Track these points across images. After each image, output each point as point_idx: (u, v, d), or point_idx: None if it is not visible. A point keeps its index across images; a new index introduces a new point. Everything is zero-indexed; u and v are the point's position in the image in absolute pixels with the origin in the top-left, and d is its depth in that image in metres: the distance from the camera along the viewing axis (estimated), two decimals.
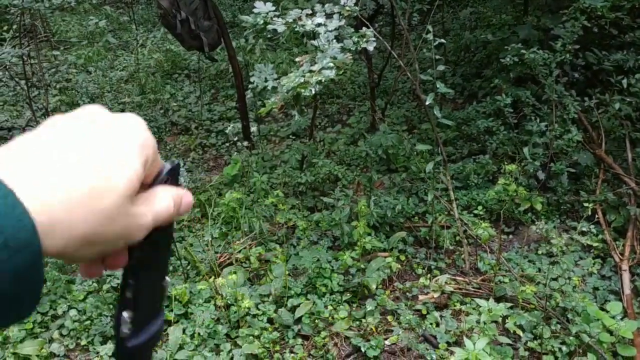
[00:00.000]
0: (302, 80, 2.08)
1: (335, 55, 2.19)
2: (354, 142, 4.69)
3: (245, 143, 4.69)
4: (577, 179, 3.75)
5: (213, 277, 3.14)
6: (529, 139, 3.70)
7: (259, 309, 2.92)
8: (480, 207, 3.58)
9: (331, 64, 2.12)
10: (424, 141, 4.11)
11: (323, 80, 2.08)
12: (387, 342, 2.80)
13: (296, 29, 2.39)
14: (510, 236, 3.56)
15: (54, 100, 5.63)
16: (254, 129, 4.96)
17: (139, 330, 0.50)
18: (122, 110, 5.75)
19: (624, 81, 3.64)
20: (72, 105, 5.73)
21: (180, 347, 2.73)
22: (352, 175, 4.09)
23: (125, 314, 0.49)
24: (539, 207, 3.52)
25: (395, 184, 3.95)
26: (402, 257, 3.34)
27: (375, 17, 5.07)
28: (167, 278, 0.53)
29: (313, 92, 2.08)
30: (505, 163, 3.63)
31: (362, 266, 3.14)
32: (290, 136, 5.01)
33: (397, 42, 5.12)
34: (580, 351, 2.59)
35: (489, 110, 4.33)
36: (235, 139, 4.88)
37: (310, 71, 2.11)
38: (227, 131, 5.15)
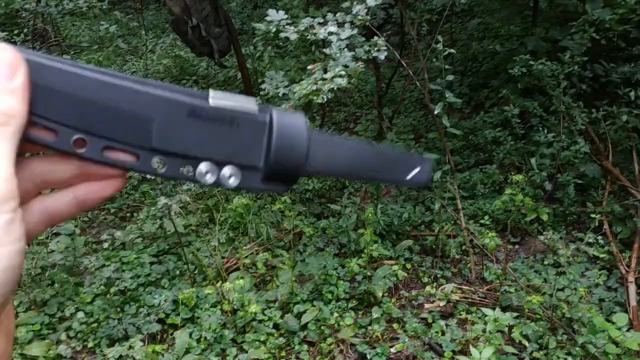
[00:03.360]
0: (314, 87, 2.12)
1: (346, 63, 2.23)
2: None
3: None
4: (583, 190, 3.76)
5: (220, 282, 3.15)
6: (536, 149, 3.72)
7: (265, 315, 2.93)
8: (486, 217, 3.59)
9: (343, 72, 2.15)
10: (431, 150, 4.13)
11: (335, 88, 2.11)
12: (392, 350, 2.81)
13: (308, 37, 2.42)
14: (517, 246, 3.57)
15: None
16: None
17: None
18: None
19: (632, 93, 3.65)
20: None
21: (187, 351, 2.74)
22: (359, 183, 4.11)
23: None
24: (545, 217, 3.52)
25: (402, 193, 3.97)
26: (409, 266, 3.35)
27: (383, 26, 5.10)
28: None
29: (325, 99, 2.11)
30: (512, 173, 3.65)
31: (369, 274, 3.15)
32: None
33: (405, 51, 5.15)
34: None
35: (496, 121, 4.35)
36: None
37: (323, 79, 2.15)
38: None
